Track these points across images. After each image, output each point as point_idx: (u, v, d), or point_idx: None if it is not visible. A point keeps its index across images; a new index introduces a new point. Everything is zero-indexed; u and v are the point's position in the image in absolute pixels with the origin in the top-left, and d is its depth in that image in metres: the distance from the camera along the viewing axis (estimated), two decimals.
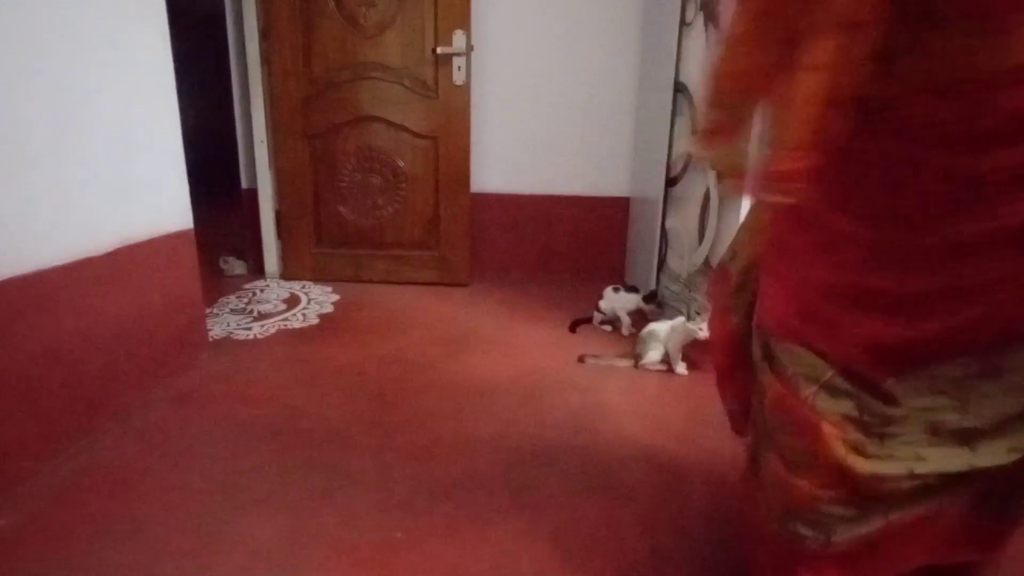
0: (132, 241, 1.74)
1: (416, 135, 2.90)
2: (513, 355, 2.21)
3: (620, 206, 3.21)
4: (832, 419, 0.83)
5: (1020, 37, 0.64)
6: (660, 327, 2.12)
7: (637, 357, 2.12)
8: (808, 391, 0.85)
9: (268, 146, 2.97)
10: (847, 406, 0.83)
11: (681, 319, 2.08)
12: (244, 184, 3.14)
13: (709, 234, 2.24)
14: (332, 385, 1.93)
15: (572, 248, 3.30)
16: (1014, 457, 0.81)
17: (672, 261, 2.53)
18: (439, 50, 2.76)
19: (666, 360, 2.09)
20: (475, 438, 1.63)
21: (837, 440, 0.82)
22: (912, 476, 0.81)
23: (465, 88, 2.82)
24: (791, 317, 0.89)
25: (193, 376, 1.95)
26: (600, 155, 3.18)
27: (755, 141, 0.76)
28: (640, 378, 2.05)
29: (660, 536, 1.27)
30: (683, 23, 2.32)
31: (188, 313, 2.03)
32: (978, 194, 0.73)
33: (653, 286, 2.63)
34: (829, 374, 0.84)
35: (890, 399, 0.82)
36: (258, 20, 2.81)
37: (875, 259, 0.81)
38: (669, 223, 2.53)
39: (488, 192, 3.21)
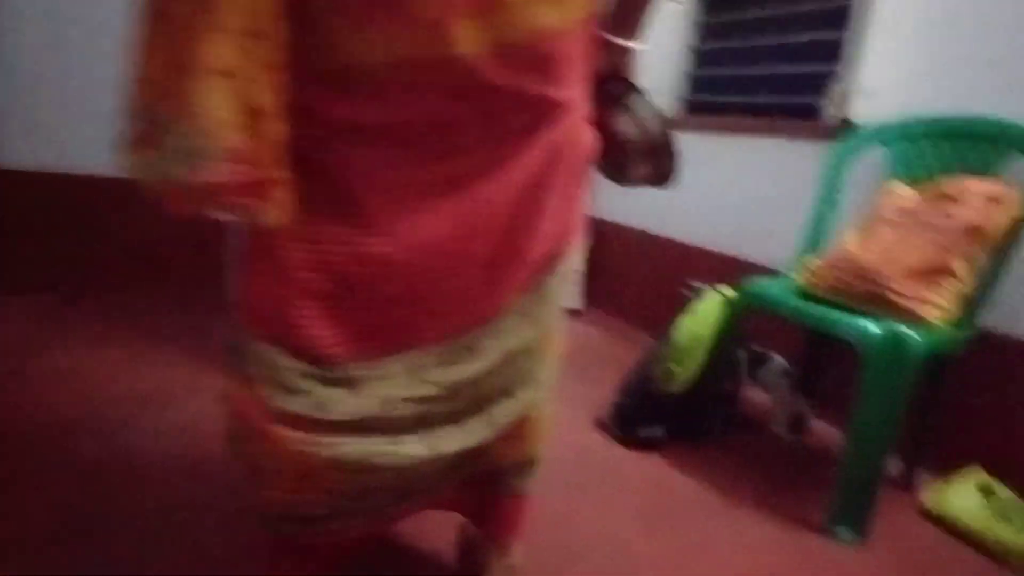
0: None
1: None
2: None
3: None
4: (286, 420, 0.75)
5: (377, 33, 0.66)
6: None
7: None
8: (266, 392, 0.76)
9: None
10: (302, 404, 0.75)
11: None
12: None
13: None
14: None
15: None
16: (487, 433, 0.85)
17: None
18: None
19: None
20: None
21: (290, 440, 0.75)
22: (372, 466, 0.78)
23: None
24: (267, 310, 0.77)
25: None
26: None
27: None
28: None
29: None
30: None
31: None
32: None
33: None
34: (288, 372, 0.75)
35: (355, 384, 0.77)
36: None
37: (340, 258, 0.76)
38: None
39: None
